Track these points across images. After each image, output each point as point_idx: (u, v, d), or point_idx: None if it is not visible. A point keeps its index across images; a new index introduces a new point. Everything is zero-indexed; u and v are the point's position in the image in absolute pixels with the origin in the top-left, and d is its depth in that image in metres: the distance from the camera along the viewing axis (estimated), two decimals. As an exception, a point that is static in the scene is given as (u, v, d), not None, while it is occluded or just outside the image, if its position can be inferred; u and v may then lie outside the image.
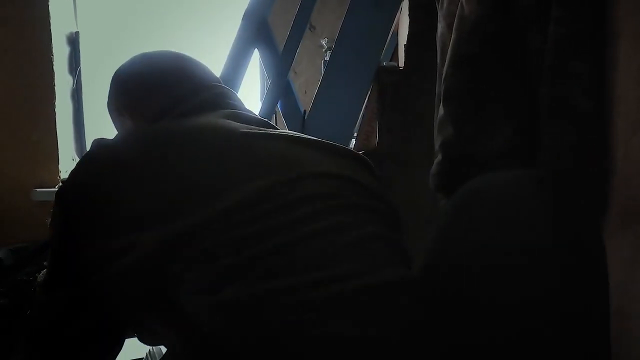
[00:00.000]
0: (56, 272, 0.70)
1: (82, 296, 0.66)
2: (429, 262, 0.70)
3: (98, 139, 0.75)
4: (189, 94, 0.85)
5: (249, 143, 0.73)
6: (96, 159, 0.72)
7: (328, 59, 1.84)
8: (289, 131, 0.83)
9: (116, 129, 0.94)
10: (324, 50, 2.60)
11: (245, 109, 0.87)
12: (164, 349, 1.00)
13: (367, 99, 1.73)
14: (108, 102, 0.93)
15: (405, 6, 1.74)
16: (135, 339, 0.77)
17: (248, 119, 0.81)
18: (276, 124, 1.04)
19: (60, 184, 0.73)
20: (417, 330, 0.63)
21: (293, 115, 1.79)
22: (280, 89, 1.81)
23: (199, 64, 0.92)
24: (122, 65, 0.93)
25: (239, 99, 0.89)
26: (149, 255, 0.63)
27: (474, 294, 0.63)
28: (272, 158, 0.72)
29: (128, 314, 0.69)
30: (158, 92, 0.87)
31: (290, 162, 0.72)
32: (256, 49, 1.82)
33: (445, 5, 1.17)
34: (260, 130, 0.76)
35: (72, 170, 0.72)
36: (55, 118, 2.24)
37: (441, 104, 1.11)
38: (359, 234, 0.68)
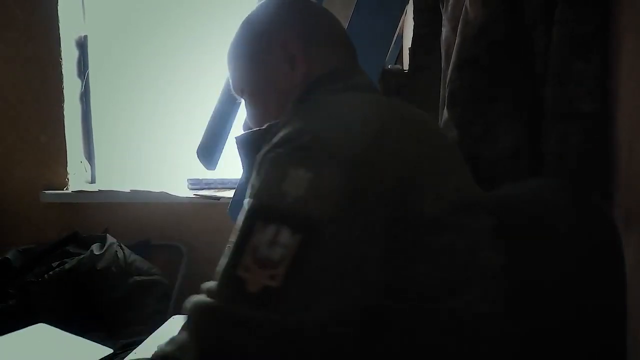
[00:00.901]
0: (298, 281, 0.47)
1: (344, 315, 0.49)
2: None
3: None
4: (357, 66, 0.75)
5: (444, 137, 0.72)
6: (362, 108, 0.61)
7: (334, 62, 1.84)
8: None
9: (238, 69, 0.76)
10: (329, 53, 2.60)
11: None
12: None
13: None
14: (264, 32, 0.75)
15: (409, 9, 1.75)
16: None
17: None
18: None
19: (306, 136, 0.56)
20: None
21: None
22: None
23: None
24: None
25: None
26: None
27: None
28: (460, 159, 0.70)
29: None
30: (339, 45, 0.75)
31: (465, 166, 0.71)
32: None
33: (449, 8, 1.17)
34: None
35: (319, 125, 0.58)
36: (63, 121, 2.26)
37: (445, 107, 1.12)
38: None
